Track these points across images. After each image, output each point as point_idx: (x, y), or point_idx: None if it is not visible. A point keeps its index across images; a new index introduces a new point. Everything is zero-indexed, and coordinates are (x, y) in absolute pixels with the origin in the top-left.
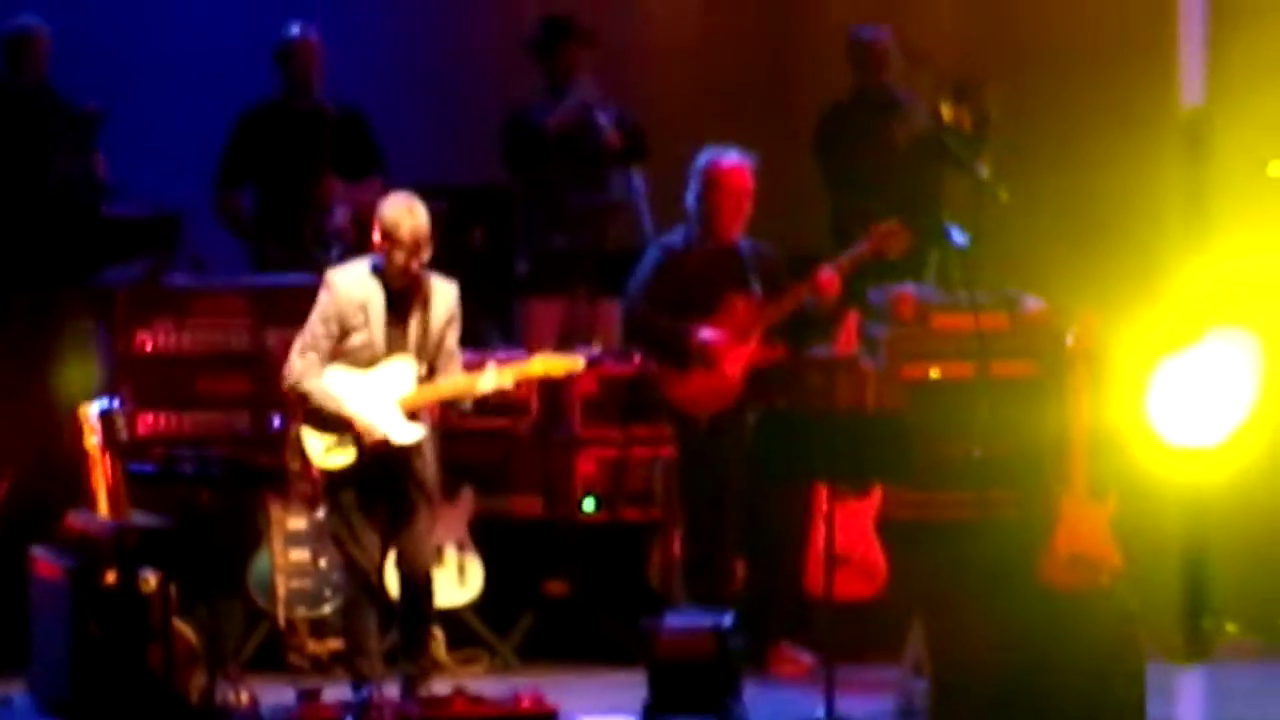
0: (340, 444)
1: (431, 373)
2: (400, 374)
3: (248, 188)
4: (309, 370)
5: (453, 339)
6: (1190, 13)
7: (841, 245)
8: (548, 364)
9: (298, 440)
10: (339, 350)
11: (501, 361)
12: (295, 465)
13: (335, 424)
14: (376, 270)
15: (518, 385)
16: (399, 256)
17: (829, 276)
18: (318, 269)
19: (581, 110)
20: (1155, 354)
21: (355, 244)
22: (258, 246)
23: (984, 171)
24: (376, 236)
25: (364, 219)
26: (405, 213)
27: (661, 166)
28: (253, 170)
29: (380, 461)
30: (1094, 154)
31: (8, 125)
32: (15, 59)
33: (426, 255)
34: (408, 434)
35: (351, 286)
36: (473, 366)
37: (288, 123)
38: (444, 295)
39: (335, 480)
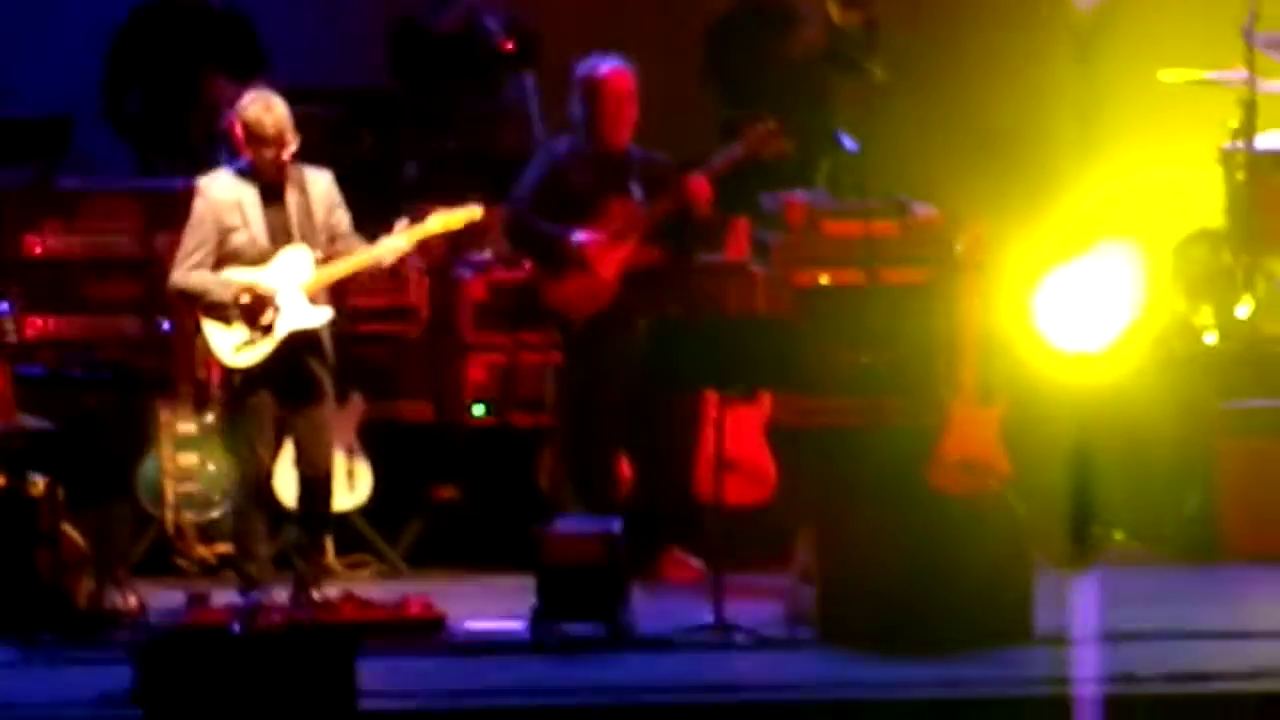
0: (249, 341)
1: (324, 257)
2: (296, 261)
3: (135, 89)
4: (186, 274)
5: (344, 222)
6: None
7: None
8: (446, 219)
9: (202, 343)
10: (224, 255)
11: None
12: (201, 372)
13: (239, 314)
14: (244, 172)
15: (411, 286)
16: (267, 153)
17: (697, 182)
18: (207, 170)
19: (470, 14)
20: (1045, 262)
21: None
22: (144, 149)
23: (877, 74)
24: (240, 136)
25: None
26: (264, 109)
27: (554, 72)
28: (139, 71)
29: (288, 353)
30: (985, 60)
31: None
32: None
33: (293, 147)
34: (316, 316)
35: (223, 190)
36: None
37: (173, 22)
38: (320, 181)
39: (238, 380)
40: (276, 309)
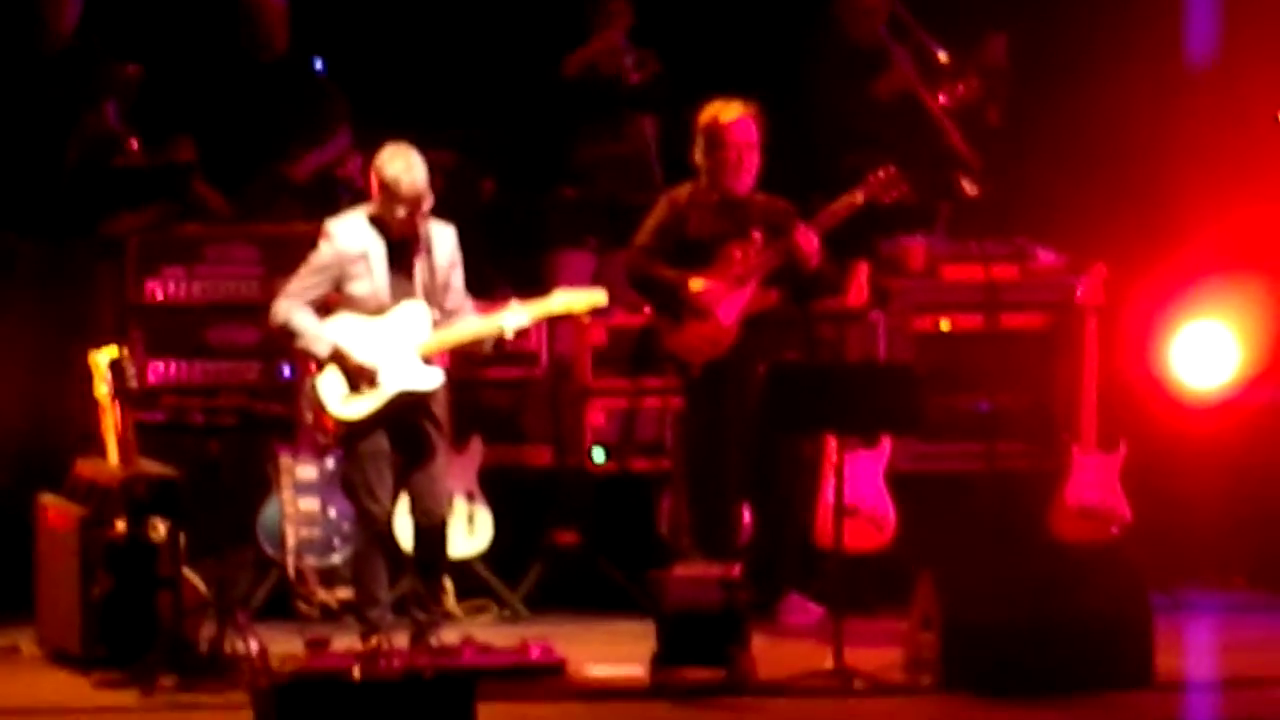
0: (356, 392)
1: (442, 317)
2: (415, 319)
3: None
4: (294, 310)
5: (458, 280)
6: None
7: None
8: (569, 300)
9: (312, 390)
10: (343, 300)
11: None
12: (309, 416)
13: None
14: (375, 219)
15: (532, 330)
16: (400, 211)
17: (804, 235)
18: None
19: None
20: (1168, 304)
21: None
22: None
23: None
24: (374, 188)
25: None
26: (404, 169)
27: (672, 118)
28: (226, 122)
29: (398, 409)
30: (1107, 103)
31: (44, 82)
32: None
33: (427, 207)
34: (428, 379)
35: (351, 238)
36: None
37: (253, 76)
38: (445, 238)
39: (351, 429)
40: (374, 384)
